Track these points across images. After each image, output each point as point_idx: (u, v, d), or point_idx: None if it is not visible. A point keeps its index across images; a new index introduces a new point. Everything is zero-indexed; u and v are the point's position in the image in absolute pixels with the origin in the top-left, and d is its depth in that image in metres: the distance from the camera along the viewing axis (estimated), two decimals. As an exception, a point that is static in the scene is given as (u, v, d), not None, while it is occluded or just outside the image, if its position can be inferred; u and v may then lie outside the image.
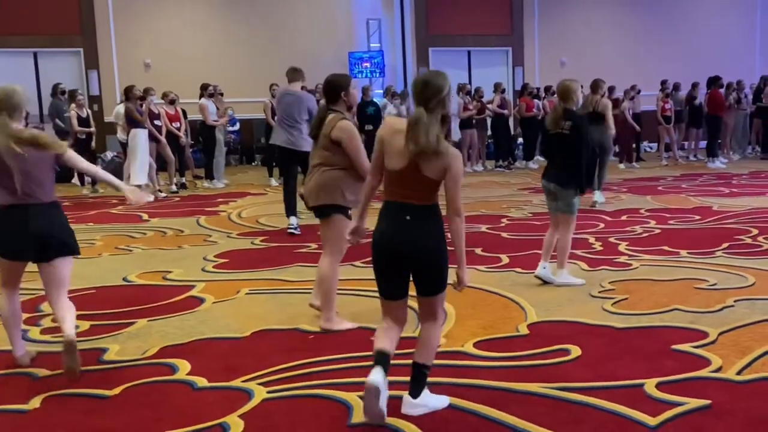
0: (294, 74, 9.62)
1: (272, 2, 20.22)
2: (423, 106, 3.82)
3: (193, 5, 20.14)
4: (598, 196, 11.08)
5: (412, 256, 3.88)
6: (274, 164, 15.67)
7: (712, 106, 16.99)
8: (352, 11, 20.80)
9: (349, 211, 5.48)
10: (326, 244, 5.62)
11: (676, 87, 18.80)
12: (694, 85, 18.14)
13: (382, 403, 3.80)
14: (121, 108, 14.67)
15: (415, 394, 3.98)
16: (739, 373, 4.41)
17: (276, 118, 10.09)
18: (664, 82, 18.70)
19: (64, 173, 16.07)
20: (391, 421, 3.85)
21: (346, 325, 5.53)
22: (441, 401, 4.06)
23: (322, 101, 5.74)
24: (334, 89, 5.50)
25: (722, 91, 17.45)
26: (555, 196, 6.64)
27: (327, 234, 5.58)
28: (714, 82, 16.95)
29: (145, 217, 11.37)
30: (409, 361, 4.08)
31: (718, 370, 4.47)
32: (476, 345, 5.03)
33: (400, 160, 3.88)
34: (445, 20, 21.01)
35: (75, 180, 15.87)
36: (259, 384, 4.41)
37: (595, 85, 11.27)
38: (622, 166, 17.16)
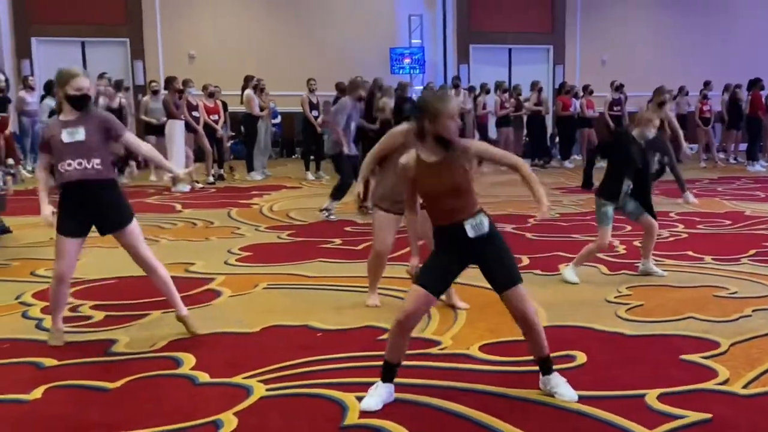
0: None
1: (316, -3, 20.33)
2: None
3: (238, 0, 20.28)
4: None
5: None
6: (311, 158, 15.75)
7: (753, 108, 16.69)
8: (395, 7, 20.79)
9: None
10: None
11: (727, 88, 18.44)
12: (736, 87, 17.81)
13: None
14: (147, 100, 14.90)
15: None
16: (745, 386, 4.33)
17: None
18: (707, 83, 18.41)
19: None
20: (381, 423, 3.86)
21: (371, 301, 6.05)
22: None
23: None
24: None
25: (763, 93, 17.13)
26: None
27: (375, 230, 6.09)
28: (755, 84, 16.66)
29: (179, 207, 11.50)
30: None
31: (725, 382, 4.39)
32: (482, 348, 5.01)
33: None
34: (487, 17, 20.90)
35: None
36: (260, 381, 4.44)
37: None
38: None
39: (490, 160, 4.49)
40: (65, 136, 4.89)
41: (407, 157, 4.14)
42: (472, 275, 6.80)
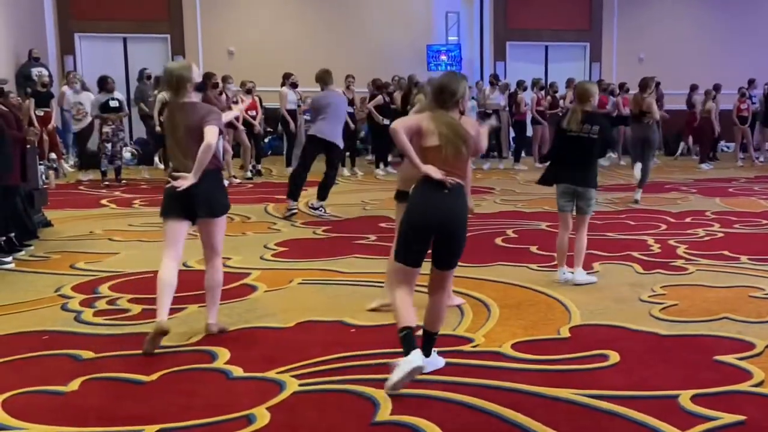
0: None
1: (354, -6, 20.37)
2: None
3: (311, -1, 20.42)
4: (637, 195, 11.33)
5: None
6: (348, 154, 15.80)
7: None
8: (432, 4, 20.74)
9: None
10: None
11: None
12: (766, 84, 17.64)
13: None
14: (161, 96, 14.99)
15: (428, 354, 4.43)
16: (779, 389, 4.31)
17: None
18: (751, 81, 18.18)
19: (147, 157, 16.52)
20: (412, 420, 3.89)
21: (456, 301, 5.90)
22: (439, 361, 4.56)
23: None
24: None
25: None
26: (575, 197, 6.70)
27: None
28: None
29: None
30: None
31: (760, 384, 4.37)
32: (514, 346, 5.01)
33: None
34: (524, 15, 20.78)
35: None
36: (293, 376, 4.49)
37: (644, 85, 11.50)
38: (704, 166, 16.64)
39: None
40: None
41: None
42: (508, 275, 6.86)
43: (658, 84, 17.61)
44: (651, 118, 11.27)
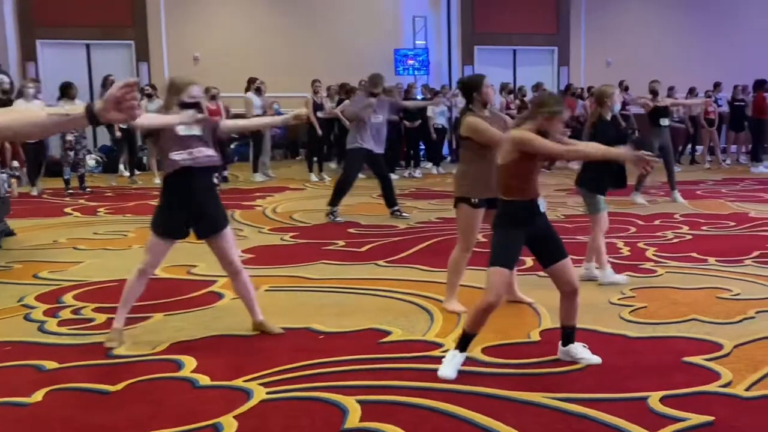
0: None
1: (320, -2, 20.33)
2: None
3: (242, 1, 20.28)
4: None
5: None
6: (315, 159, 15.76)
7: (757, 109, 16.65)
8: (399, 8, 20.77)
9: (473, 200, 5.83)
10: (458, 233, 6.04)
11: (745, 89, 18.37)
12: (736, 88, 17.83)
13: None
14: (144, 104, 14.86)
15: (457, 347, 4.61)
16: (747, 389, 4.31)
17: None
18: (717, 85, 18.35)
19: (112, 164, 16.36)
20: (381, 427, 3.85)
21: (456, 307, 5.90)
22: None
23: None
24: (467, 90, 5.89)
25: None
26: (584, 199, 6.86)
27: (458, 225, 6.02)
28: (760, 85, 16.60)
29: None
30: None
31: (727, 384, 4.38)
32: (484, 351, 4.98)
33: None
34: (492, 19, 20.87)
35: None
36: (261, 384, 4.42)
37: (653, 90, 12.26)
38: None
39: None
40: (181, 130, 5.08)
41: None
42: (478, 279, 6.83)
43: (627, 88, 17.81)
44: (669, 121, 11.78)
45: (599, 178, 6.67)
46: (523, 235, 4.57)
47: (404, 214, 10.48)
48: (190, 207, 5.13)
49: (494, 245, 4.59)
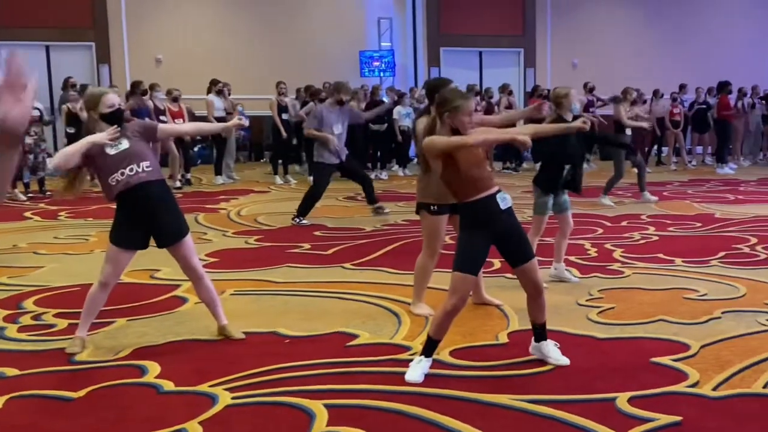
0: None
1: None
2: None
3: (205, 3, 20.14)
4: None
5: None
6: (280, 162, 15.67)
7: (721, 111, 16.83)
8: (364, 10, 20.72)
9: (432, 207, 5.76)
10: (423, 239, 5.98)
11: (710, 91, 18.56)
12: (699, 90, 18.04)
13: None
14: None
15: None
16: (715, 389, 4.32)
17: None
18: (682, 87, 18.51)
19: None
20: (348, 431, 3.80)
21: (424, 310, 5.83)
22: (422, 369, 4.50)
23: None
24: (432, 93, 5.77)
25: (732, 96, 17.28)
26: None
27: (422, 230, 5.96)
28: (723, 87, 16.78)
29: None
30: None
31: (695, 385, 4.39)
32: (452, 353, 4.94)
33: None
34: (457, 20, 20.88)
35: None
36: (226, 389, 4.36)
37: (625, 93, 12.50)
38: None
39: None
40: (110, 150, 4.91)
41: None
42: (446, 281, 6.80)
43: (592, 89, 17.93)
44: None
45: (554, 179, 6.66)
46: (488, 234, 4.49)
47: (386, 210, 10.56)
48: (145, 221, 5.02)
49: (459, 249, 4.54)
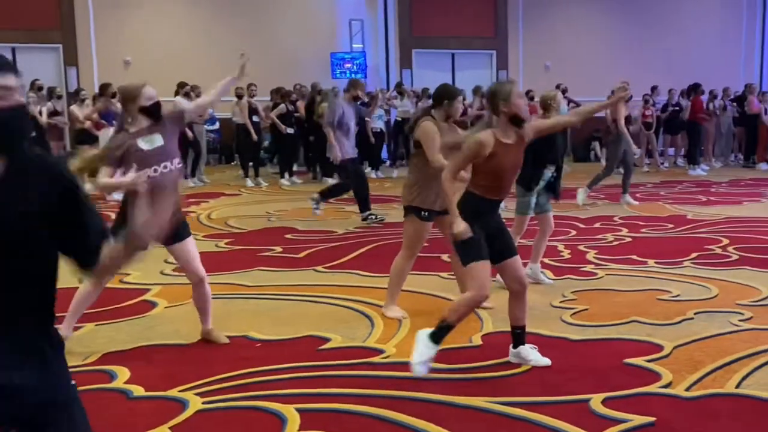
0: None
1: (255, 1, 20.04)
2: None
3: (174, 4, 19.93)
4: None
5: None
6: (250, 164, 15.56)
7: (693, 113, 16.94)
8: (335, 11, 20.61)
9: (423, 213, 5.74)
10: (403, 241, 5.94)
11: (683, 94, 18.65)
12: (671, 92, 18.17)
13: None
14: (75, 108, 14.53)
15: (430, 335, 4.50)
16: (687, 389, 4.34)
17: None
18: (654, 88, 18.59)
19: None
20: (321, 436, 3.76)
21: (396, 313, 5.81)
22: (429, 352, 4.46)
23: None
24: (438, 96, 5.82)
25: (703, 98, 17.40)
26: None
27: (405, 233, 5.90)
28: (695, 89, 16.88)
29: (113, 216, 11.18)
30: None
31: (668, 385, 4.40)
32: (426, 356, 4.91)
33: None
34: (429, 22, 20.83)
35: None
36: (196, 394, 4.30)
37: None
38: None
39: (545, 130, 5.09)
40: (144, 145, 4.81)
41: (486, 135, 4.48)
42: (418, 284, 6.78)
43: (564, 91, 17.95)
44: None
45: (537, 178, 6.65)
46: (482, 228, 4.53)
47: (318, 211, 10.48)
48: None
49: (461, 243, 4.51)
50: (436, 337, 4.47)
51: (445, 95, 5.76)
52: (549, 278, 6.89)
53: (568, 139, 14.20)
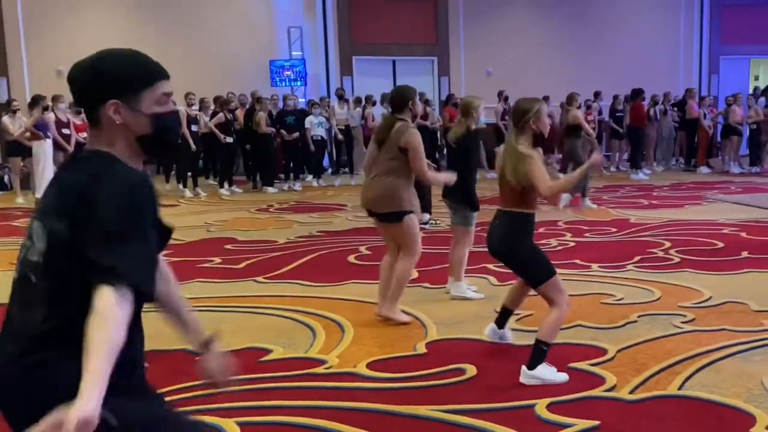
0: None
1: (191, 8, 19.71)
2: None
3: (108, 11, 19.54)
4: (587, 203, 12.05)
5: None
6: (189, 174, 15.34)
7: (634, 118, 17.14)
8: (273, 18, 20.39)
9: (415, 210, 5.82)
10: (402, 246, 5.88)
11: (627, 98, 18.82)
12: (615, 98, 18.36)
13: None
14: (6, 120, 14.23)
15: (530, 366, 4.51)
16: (632, 392, 4.34)
17: None
18: (597, 94, 18.75)
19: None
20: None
21: (404, 317, 5.83)
22: (556, 375, 4.52)
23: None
24: (402, 99, 5.85)
25: (645, 103, 17.60)
26: (453, 211, 6.81)
27: (400, 237, 5.84)
28: (637, 94, 17.07)
29: (49, 230, 10.92)
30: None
31: (612, 389, 4.40)
32: (369, 366, 4.85)
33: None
34: (369, 29, 20.76)
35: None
36: (133, 410, 4.14)
37: (570, 98, 12.83)
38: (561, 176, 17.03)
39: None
40: None
41: (535, 152, 4.62)
42: (362, 293, 6.69)
43: (506, 98, 18.03)
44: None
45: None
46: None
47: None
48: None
49: (529, 264, 4.71)
50: (539, 360, 4.54)
51: (407, 96, 5.84)
52: (476, 292, 6.73)
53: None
